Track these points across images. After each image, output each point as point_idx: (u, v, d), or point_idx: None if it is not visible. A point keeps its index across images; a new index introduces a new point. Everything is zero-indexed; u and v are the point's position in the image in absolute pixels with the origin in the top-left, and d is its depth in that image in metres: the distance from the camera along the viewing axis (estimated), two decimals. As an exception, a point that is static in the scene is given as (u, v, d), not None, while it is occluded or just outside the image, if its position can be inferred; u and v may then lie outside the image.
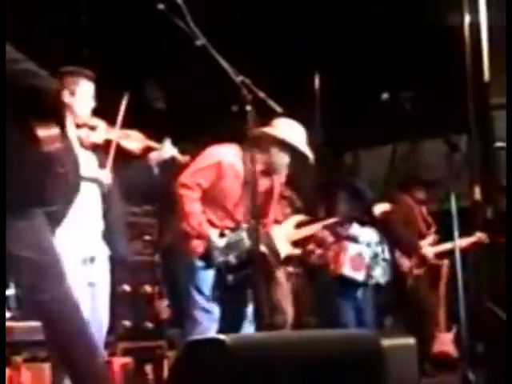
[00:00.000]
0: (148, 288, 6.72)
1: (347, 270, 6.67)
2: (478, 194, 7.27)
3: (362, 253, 6.76)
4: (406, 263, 7.24)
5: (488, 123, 8.35)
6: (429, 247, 7.28)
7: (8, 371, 4.91)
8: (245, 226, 5.06)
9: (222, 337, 2.75)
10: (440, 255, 7.25)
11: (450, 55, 7.95)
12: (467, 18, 8.23)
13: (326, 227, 6.79)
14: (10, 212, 3.22)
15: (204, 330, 4.84)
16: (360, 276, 6.69)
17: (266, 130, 5.12)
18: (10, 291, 5.07)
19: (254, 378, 2.68)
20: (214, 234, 5.04)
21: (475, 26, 8.19)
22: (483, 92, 8.31)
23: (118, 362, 5.66)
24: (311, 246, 7.13)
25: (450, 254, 6.66)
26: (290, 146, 5.13)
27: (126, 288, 6.51)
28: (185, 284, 5.10)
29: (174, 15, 3.50)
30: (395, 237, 7.12)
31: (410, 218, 7.41)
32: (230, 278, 5.02)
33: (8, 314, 5.30)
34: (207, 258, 5.03)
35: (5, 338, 3.20)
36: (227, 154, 5.08)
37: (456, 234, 5.60)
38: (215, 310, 5.00)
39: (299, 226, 5.88)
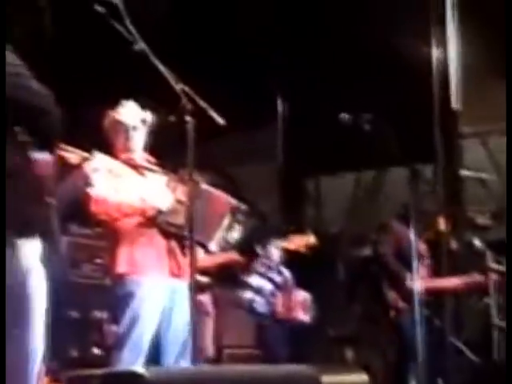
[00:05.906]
0: (97, 313, 6.46)
1: (301, 315, 7.22)
2: (442, 224, 6.98)
3: (307, 298, 7.32)
4: (392, 295, 6.83)
5: (456, 152, 8.24)
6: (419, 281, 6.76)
7: None
8: None
9: (140, 369, 2.55)
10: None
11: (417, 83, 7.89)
12: (435, 51, 8.18)
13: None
14: None
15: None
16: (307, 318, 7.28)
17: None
18: None
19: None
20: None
21: (443, 57, 8.15)
22: (451, 121, 8.22)
23: (57, 391, 5.39)
24: (250, 294, 7.16)
25: None
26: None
27: (74, 314, 6.24)
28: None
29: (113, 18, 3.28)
30: (386, 268, 6.82)
31: (402, 249, 6.97)
32: None
33: None
34: None
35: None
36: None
37: (415, 264, 5.34)
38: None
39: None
